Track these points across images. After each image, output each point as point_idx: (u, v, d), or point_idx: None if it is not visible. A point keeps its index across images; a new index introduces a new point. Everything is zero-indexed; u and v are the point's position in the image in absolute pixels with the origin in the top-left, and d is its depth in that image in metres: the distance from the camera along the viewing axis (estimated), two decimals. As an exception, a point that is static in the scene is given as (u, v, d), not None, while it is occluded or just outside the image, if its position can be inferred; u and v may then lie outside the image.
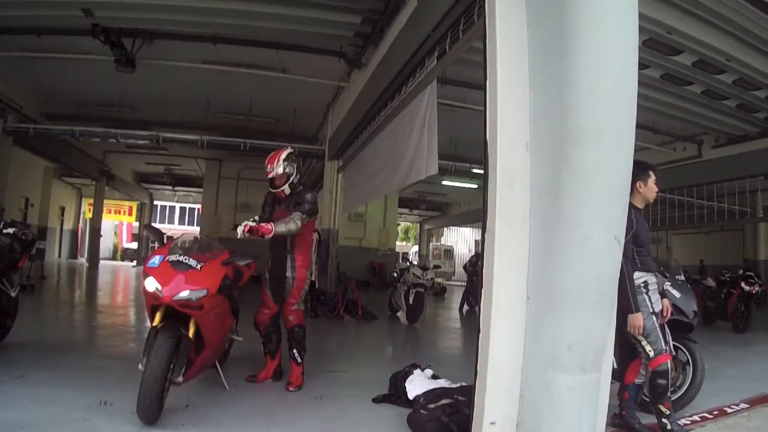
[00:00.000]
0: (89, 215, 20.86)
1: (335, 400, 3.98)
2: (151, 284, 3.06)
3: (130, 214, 26.14)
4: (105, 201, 19.41)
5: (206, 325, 3.25)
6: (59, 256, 20.12)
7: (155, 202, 28.05)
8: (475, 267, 12.04)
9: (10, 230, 4.69)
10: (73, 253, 22.07)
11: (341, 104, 9.83)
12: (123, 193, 21.47)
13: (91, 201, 19.75)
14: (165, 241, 3.50)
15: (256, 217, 4.03)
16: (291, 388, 4.09)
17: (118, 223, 28.02)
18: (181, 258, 3.20)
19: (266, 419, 3.43)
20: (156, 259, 3.19)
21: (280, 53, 8.34)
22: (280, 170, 4.03)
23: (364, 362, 5.88)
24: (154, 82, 10.22)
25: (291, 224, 3.85)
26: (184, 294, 3.05)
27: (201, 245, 3.63)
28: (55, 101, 12.09)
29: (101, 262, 18.66)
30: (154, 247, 3.87)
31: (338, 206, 10.28)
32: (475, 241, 20.64)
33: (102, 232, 19.09)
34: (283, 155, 4.08)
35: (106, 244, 23.24)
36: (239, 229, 3.68)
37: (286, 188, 4.08)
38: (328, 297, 9.35)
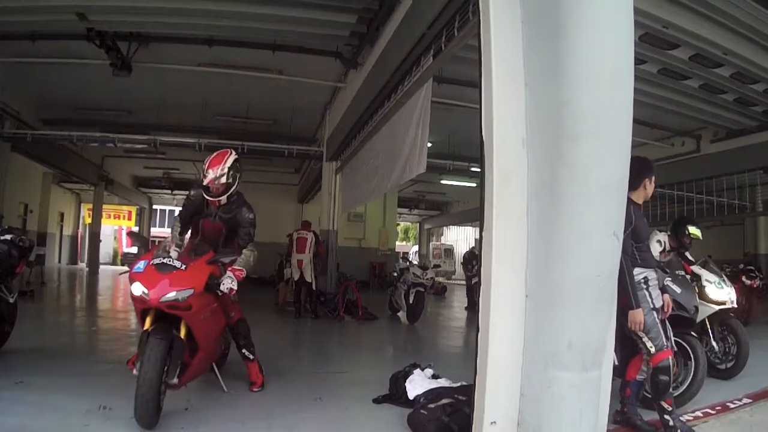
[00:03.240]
0: (89, 220, 20.80)
1: (335, 401, 3.96)
2: (138, 288, 3.06)
3: (129, 218, 26.04)
4: (104, 206, 19.37)
5: (197, 325, 3.25)
6: (59, 261, 20.10)
7: (154, 207, 28.00)
8: (468, 264, 12.02)
9: (8, 236, 4.70)
10: (73, 259, 22.04)
11: (338, 105, 9.82)
12: (122, 197, 21.43)
13: (90, 206, 19.69)
14: (150, 247, 3.49)
15: (174, 249, 3.54)
16: (255, 389, 3.96)
17: (117, 227, 27.97)
18: (166, 260, 3.20)
19: (266, 421, 3.42)
20: (141, 264, 3.20)
21: (276, 54, 8.33)
22: (224, 180, 3.63)
23: (364, 362, 5.86)
24: (151, 86, 10.20)
25: (251, 259, 3.73)
26: (171, 295, 3.05)
27: (186, 248, 3.59)
28: (52, 106, 12.06)
29: (101, 267, 18.63)
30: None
31: (337, 207, 10.27)
32: (475, 239, 20.60)
33: (102, 237, 19.07)
34: (229, 162, 3.66)
35: (106, 249, 23.21)
36: (225, 287, 3.41)
37: (224, 199, 3.72)
38: (328, 298, 9.35)
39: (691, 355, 3.87)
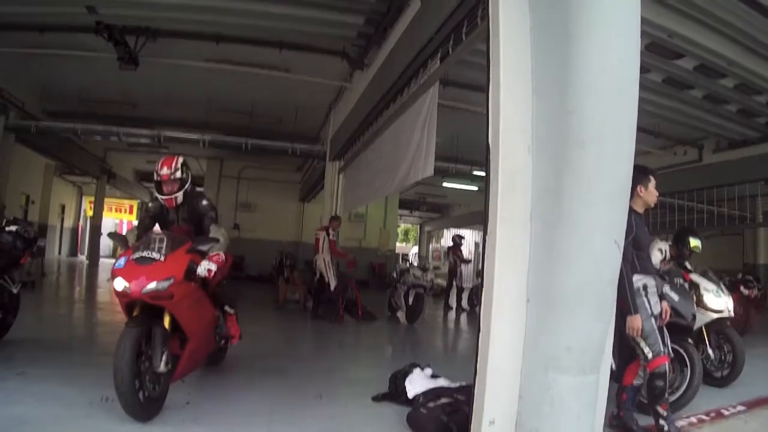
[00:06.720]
0: (90, 213, 20.82)
1: (335, 398, 4.00)
2: (120, 283, 3.11)
3: (131, 212, 26.06)
4: (106, 199, 19.39)
5: (182, 313, 3.29)
6: (59, 253, 20.11)
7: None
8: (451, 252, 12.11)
9: (13, 228, 4.73)
10: (74, 251, 22.03)
11: (343, 105, 9.84)
12: (124, 191, 21.42)
13: (92, 199, 19.72)
14: (129, 245, 3.54)
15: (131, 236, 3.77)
16: (235, 342, 4.19)
17: (118, 221, 28.01)
18: (145, 253, 3.25)
19: (266, 417, 3.45)
20: (122, 261, 3.25)
21: (283, 53, 8.34)
22: (178, 174, 3.81)
23: (363, 361, 5.89)
24: (157, 81, 10.21)
25: (222, 240, 3.74)
26: (152, 285, 3.09)
27: (164, 240, 3.61)
28: (57, 98, 12.08)
29: (101, 259, 18.64)
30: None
31: (339, 207, 10.29)
32: (476, 243, 20.61)
33: (102, 230, 19.06)
34: (180, 160, 3.88)
35: (106, 241, 23.15)
36: (202, 271, 3.40)
37: (180, 195, 3.85)
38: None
39: (688, 362, 3.92)
